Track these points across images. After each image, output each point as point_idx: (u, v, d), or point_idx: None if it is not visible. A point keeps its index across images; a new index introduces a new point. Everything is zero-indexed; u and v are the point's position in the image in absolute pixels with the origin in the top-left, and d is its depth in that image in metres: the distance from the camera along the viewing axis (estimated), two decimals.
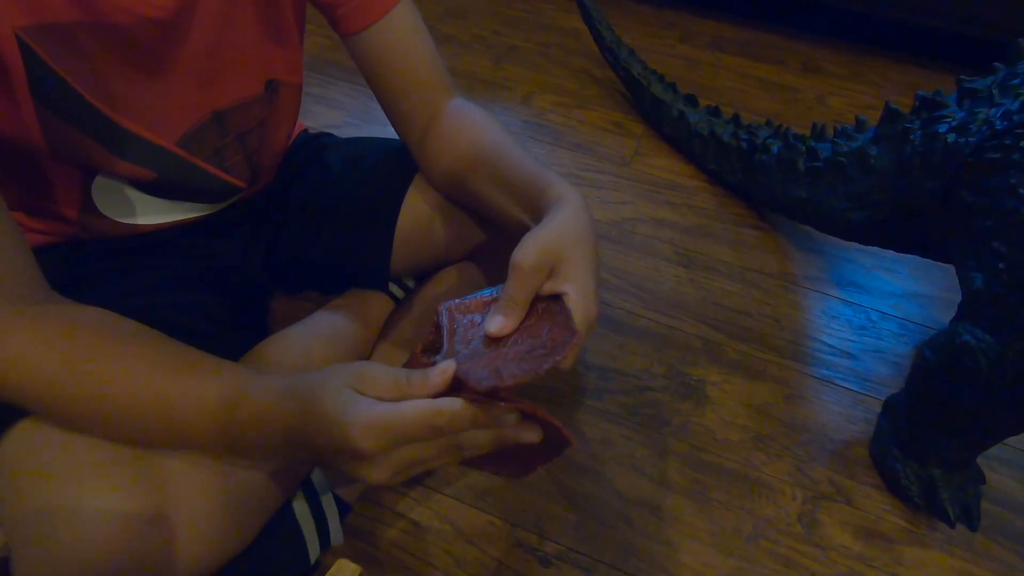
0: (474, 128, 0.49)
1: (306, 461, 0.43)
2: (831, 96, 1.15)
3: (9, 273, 0.35)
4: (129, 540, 0.34)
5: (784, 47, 1.27)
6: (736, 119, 0.85)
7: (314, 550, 0.48)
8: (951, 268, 0.56)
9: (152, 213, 0.50)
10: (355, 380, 0.32)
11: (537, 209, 0.41)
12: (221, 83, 0.45)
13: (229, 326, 0.53)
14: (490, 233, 0.55)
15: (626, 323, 0.73)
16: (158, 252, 0.52)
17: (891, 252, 0.80)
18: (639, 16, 1.31)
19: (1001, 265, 0.46)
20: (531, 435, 0.32)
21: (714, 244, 0.83)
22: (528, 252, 0.35)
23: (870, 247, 0.79)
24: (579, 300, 0.35)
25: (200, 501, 0.37)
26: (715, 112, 0.87)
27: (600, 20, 1.01)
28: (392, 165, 0.57)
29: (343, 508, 0.50)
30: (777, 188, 0.76)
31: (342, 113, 0.98)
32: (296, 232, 0.58)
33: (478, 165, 0.48)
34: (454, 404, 0.30)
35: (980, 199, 0.49)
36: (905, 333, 0.75)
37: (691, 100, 0.91)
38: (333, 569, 0.43)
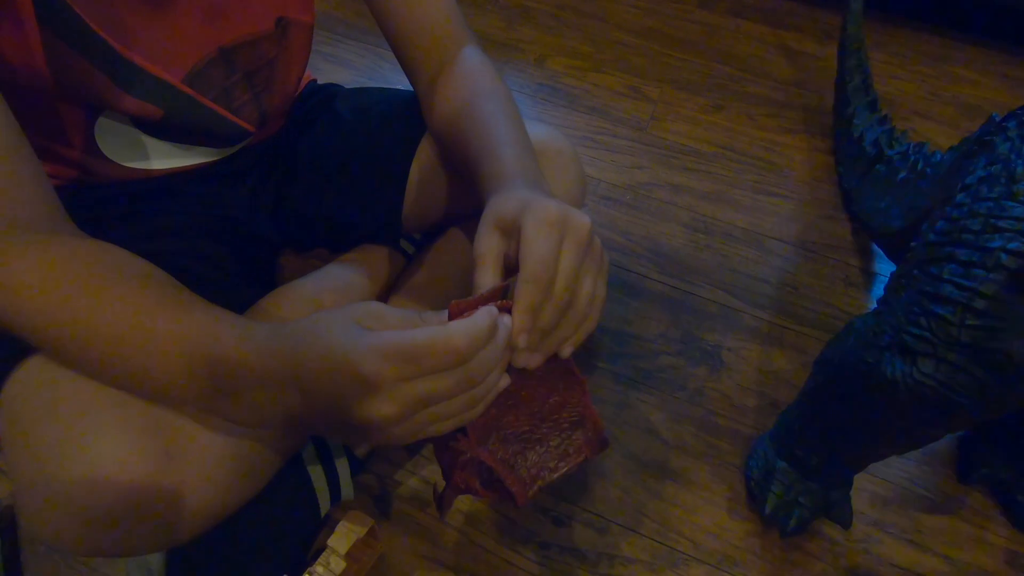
0: (466, 90, 0.46)
1: (301, 419, 0.34)
2: None
3: (26, 202, 0.33)
4: (137, 482, 0.33)
5: (805, 14, 1.23)
6: (891, 130, 0.78)
7: (324, 503, 0.47)
8: None
9: (158, 157, 0.48)
10: (363, 316, 0.30)
11: (484, 190, 0.38)
12: (229, 17, 0.43)
13: (236, 278, 0.52)
14: None
15: (641, 287, 0.71)
16: (164, 198, 0.51)
17: None
18: None
19: (913, 243, 0.43)
20: (535, 359, 0.31)
21: (732, 210, 0.81)
22: (477, 239, 0.32)
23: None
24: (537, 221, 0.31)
25: (209, 445, 0.35)
26: (883, 120, 0.81)
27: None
28: (403, 117, 0.55)
29: (355, 464, 0.49)
30: (872, 200, 0.71)
31: (350, 72, 0.95)
32: (306, 184, 0.56)
33: (458, 132, 0.45)
34: (476, 321, 0.28)
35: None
36: None
37: (874, 105, 0.85)
38: (345, 520, 0.42)
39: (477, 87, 0.46)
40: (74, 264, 0.33)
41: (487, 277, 0.32)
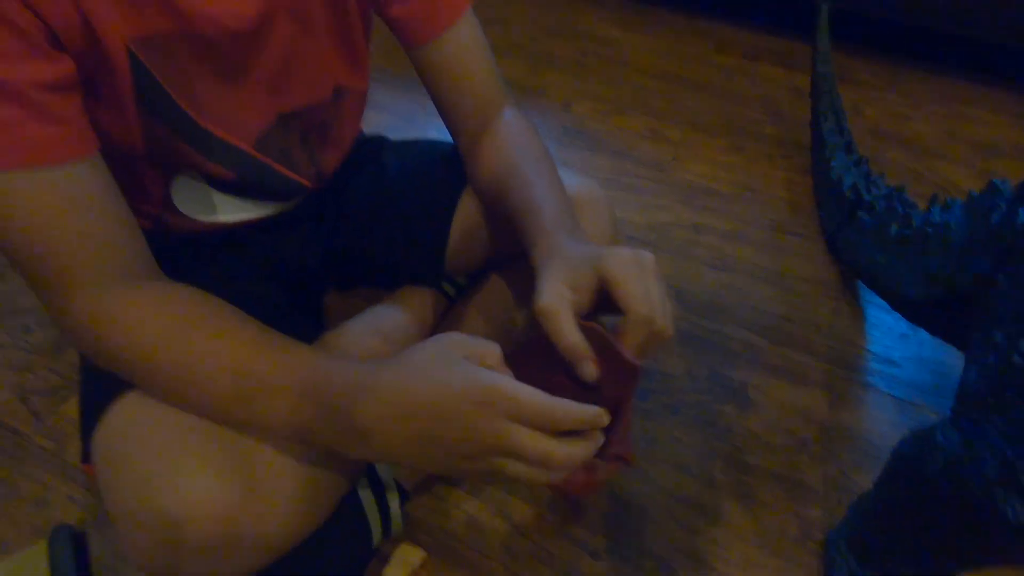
0: (510, 151, 0.51)
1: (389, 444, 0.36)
2: (866, 105, 1.16)
3: (130, 254, 0.38)
4: (222, 514, 0.36)
5: None
6: (867, 173, 0.78)
7: (376, 535, 0.49)
8: None
9: (225, 211, 0.52)
10: (458, 347, 0.33)
11: (531, 247, 0.42)
12: (291, 89, 0.48)
13: (291, 318, 0.55)
14: None
15: None
16: (226, 246, 0.55)
17: None
18: (673, 25, 1.33)
19: (992, 359, 0.40)
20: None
21: (753, 250, 0.84)
22: (544, 293, 0.35)
23: None
24: (638, 306, 0.35)
25: (287, 482, 0.38)
26: (858, 162, 0.81)
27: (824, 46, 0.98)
28: (445, 169, 0.59)
29: (403, 495, 0.51)
30: (864, 250, 0.70)
31: (388, 116, 1.01)
32: (355, 230, 0.61)
33: (503, 189, 0.49)
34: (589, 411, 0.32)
35: (1008, 283, 0.42)
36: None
37: (850, 147, 0.85)
38: (400, 552, 0.45)
39: (517, 151, 0.50)
40: (171, 305, 0.38)
41: (569, 328, 0.35)
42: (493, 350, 0.34)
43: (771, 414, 0.66)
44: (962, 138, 1.10)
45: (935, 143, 1.08)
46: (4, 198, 0.34)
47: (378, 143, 0.65)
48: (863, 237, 0.71)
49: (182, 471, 0.36)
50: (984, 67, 1.26)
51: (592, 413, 0.32)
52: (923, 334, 0.76)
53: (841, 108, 0.90)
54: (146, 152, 0.43)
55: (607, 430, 0.34)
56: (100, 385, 0.41)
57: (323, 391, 0.35)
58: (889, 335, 0.75)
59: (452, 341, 0.34)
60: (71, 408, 0.58)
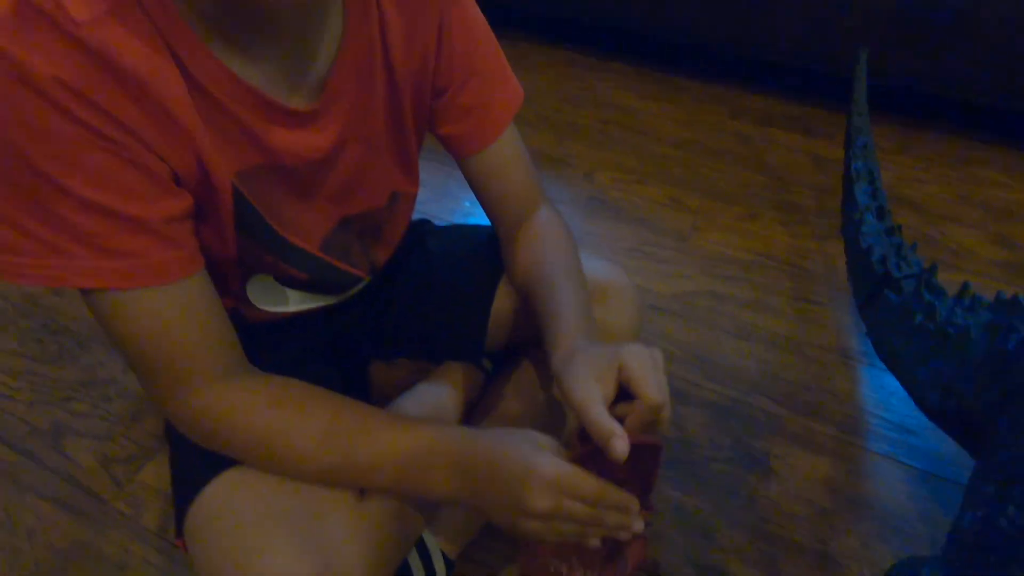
0: (540, 256, 0.57)
1: (469, 497, 0.45)
2: (881, 170, 1.20)
3: (227, 349, 0.44)
4: None
5: (832, 121, 1.33)
6: (899, 245, 0.73)
7: None
8: None
9: (292, 303, 0.59)
10: (535, 439, 0.41)
11: (551, 347, 0.49)
12: (353, 198, 0.54)
13: (345, 391, 0.61)
14: None
15: (690, 394, 0.78)
16: (288, 330, 0.61)
17: None
18: (688, 92, 1.40)
19: (980, 515, 0.40)
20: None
21: (772, 318, 0.88)
22: (578, 389, 0.42)
23: None
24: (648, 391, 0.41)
25: (356, 561, 0.43)
26: (890, 231, 0.76)
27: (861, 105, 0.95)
28: (486, 255, 0.65)
29: (449, 565, 0.56)
30: (887, 331, 0.68)
31: (423, 189, 1.08)
32: (402, 311, 0.67)
33: (531, 291, 0.55)
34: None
35: (1008, 430, 0.41)
36: None
37: (881, 212, 0.80)
38: None
39: (546, 256, 0.56)
40: (273, 395, 0.44)
41: (603, 417, 0.40)
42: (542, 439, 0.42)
43: (793, 483, 0.69)
44: (975, 201, 1.13)
45: (948, 206, 1.12)
46: (130, 311, 0.40)
47: (422, 228, 0.71)
48: (889, 317, 0.68)
49: (266, 551, 0.41)
50: (995, 128, 1.31)
51: (628, 498, 0.40)
52: None
53: (876, 167, 0.85)
54: (237, 260, 0.50)
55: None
56: (193, 465, 0.47)
57: (468, 464, 0.43)
58: (907, 403, 0.78)
59: (536, 437, 0.42)
60: (147, 475, 0.64)
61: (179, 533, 0.47)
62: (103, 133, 0.35)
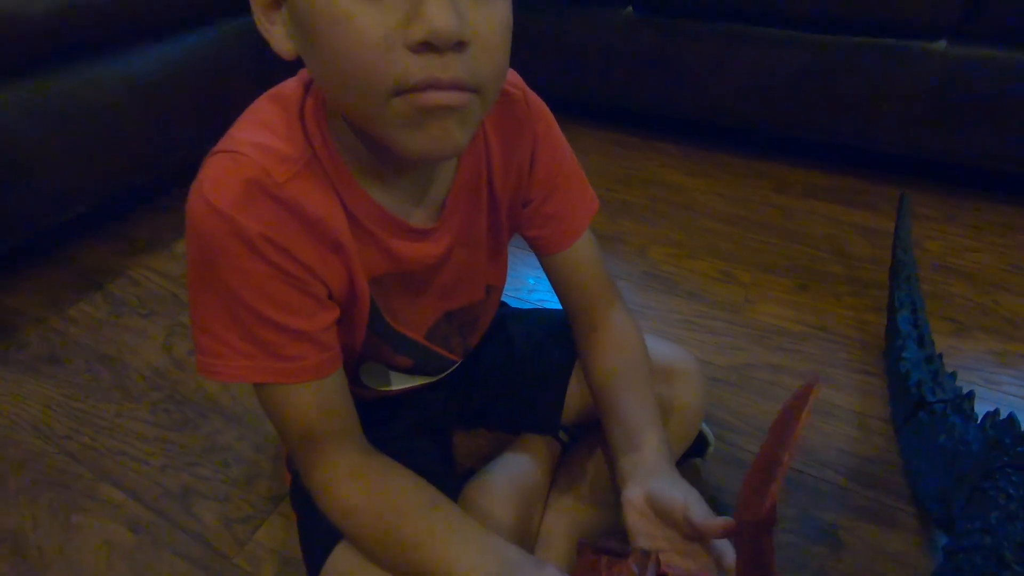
0: (616, 374, 0.61)
1: None
2: (927, 240, 1.24)
3: (354, 429, 0.52)
4: None
5: (876, 191, 1.38)
6: (936, 372, 0.76)
7: None
8: None
9: (397, 383, 0.67)
10: None
11: (621, 460, 0.54)
12: (456, 294, 0.63)
13: (436, 463, 0.68)
14: None
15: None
16: (392, 407, 0.69)
17: (1014, 403, 0.85)
18: (732, 168, 1.49)
19: None
20: None
21: (831, 389, 0.91)
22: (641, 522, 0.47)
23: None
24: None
25: None
26: (930, 359, 0.80)
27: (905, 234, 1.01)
28: (562, 338, 0.72)
29: None
30: (912, 450, 0.71)
31: None
32: (487, 390, 0.74)
33: (608, 408, 0.60)
34: None
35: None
36: None
37: (922, 340, 0.84)
38: None
39: (621, 366, 0.61)
40: (388, 490, 0.51)
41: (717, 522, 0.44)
42: None
43: (862, 557, 0.71)
44: None
45: (999, 275, 1.14)
46: (289, 399, 0.49)
47: (501, 311, 0.80)
48: (918, 437, 0.71)
49: None
50: None
51: None
52: None
53: (920, 297, 0.91)
54: (359, 351, 0.59)
55: None
56: (323, 526, 0.54)
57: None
58: None
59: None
60: (263, 535, 0.71)
61: None
62: (289, 272, 0.45)
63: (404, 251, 0.53)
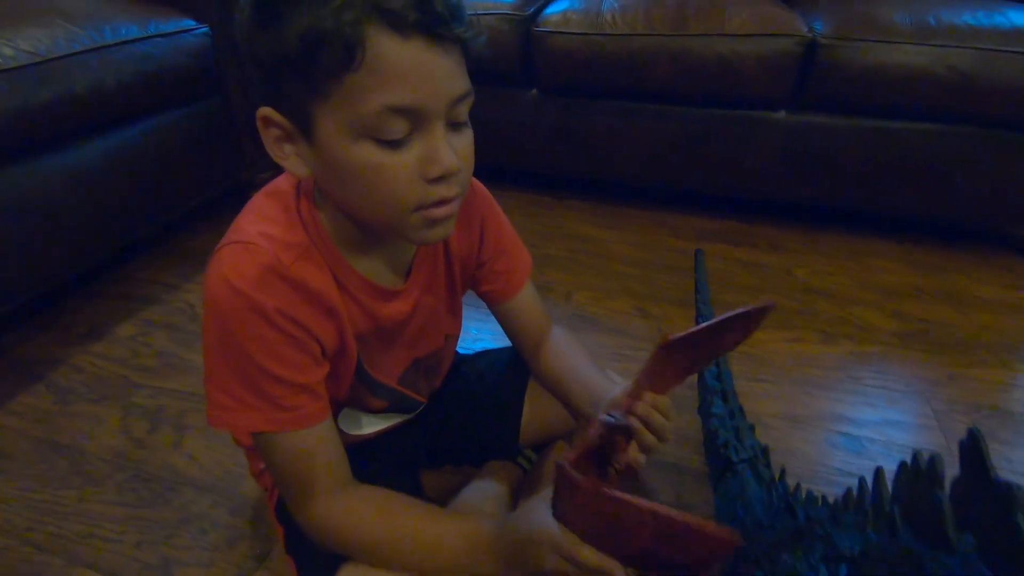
0: (565, 358, 0.77)
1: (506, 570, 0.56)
2: (796, 268, 1.49)
3: (341, 468, 0.61)
4: None
5: (755, 232, 1.65)
6: (737, 429, 0.77)
7: None
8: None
9: (369, 426, 0.76)
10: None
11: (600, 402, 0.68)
12: (422, 343, 0.74)
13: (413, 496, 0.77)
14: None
15: (688, 469, 0.96)
16: (370, 449, 0.78)
17: (872, 393, 1.06)
18: (635, 219, 1.71)
19: None
20: None
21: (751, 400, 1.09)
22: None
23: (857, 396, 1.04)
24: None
25: None
26: (732, 414, 0.81)
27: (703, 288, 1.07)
28: (512, 372, 0.85)
29: None
30: (723, 508, 0.71)
31: None
32: (448, 425, 0.84)
33: (567, 381, 0.74)
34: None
35: None
36: (889, 453, 0.98)
37: (725, 396, 0.84)
38: None
39: (568, 359, 0.76)
40: (378, 502, 0.60)
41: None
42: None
43: None
44: (872, 286, 1.43)
45: (852, 292, 1.40)
46: (286, 445, 0.57)
47: (458, 359, 0.91)
48: (724, 497, 0.72)
49: None
50: (879, 225, 1.65)
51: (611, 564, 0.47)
52: (872, 449, 0.99)
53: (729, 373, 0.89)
54: (343, 399, 0.68)
55: None
56: (323, 564, 0.61)
57: (501, 544, 0.56)
58: (846, 453, 0.98)
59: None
60: None
61: None
62: (295, 337, 0.55)
63: (381, 310, 0.64)
